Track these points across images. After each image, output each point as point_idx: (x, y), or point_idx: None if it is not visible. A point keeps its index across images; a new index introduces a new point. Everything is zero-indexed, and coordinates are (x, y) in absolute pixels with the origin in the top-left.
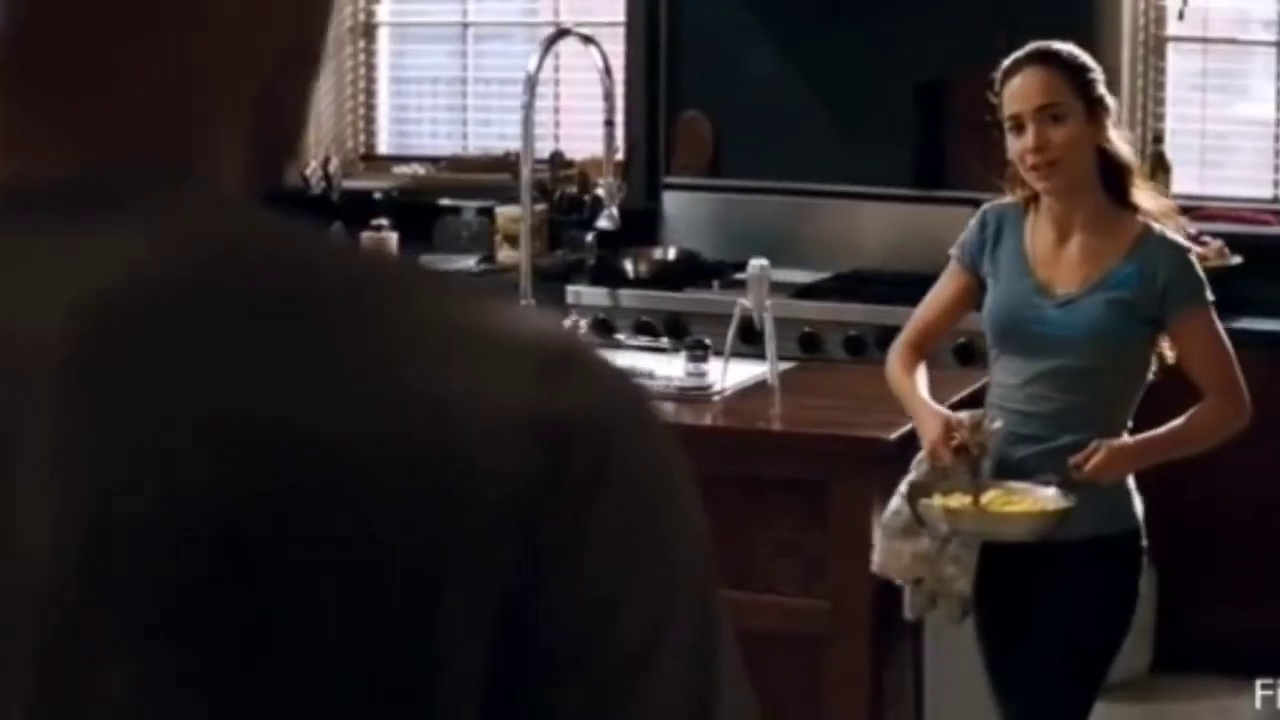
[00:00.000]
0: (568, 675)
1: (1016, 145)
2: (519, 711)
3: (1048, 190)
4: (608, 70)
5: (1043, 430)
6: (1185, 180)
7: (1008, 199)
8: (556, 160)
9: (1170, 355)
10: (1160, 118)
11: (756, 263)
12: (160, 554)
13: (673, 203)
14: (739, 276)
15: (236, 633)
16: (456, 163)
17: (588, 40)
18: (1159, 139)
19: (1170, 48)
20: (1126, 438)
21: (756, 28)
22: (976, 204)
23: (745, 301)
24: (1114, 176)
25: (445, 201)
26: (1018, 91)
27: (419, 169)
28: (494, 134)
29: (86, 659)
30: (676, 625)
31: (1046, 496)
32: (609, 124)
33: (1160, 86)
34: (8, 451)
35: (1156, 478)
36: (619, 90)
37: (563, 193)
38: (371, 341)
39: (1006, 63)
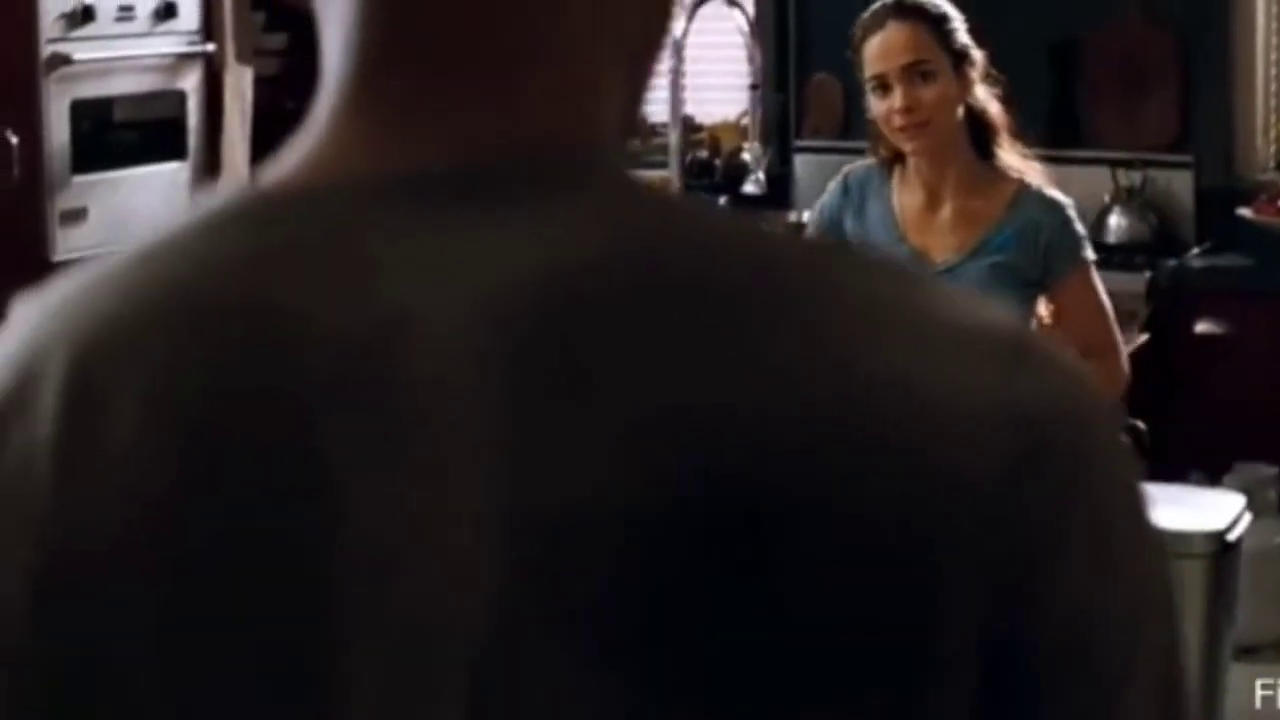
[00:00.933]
0: (1051, 690)
1: (881, 106)
2: None
3: (916, 152)
4: (752, 33)
5: None
6: None
7: (868, 161)
8: (686, 125)
9: (1046, 316)
10: None
11: None
12: (616, 557)
13: (804, 166)
14: None
15: (709, 643)
16: None
17: (732, 3)
18: None
19: None
20: None
21: None
22: (1111, 164)
23: None
24: (980, 135)
25: None
26: (880, 49)
27: None
28: None
29: (536, 670)
30: (1153, 630)
31: None
32: (754, 88)
33: None
34: (429, 448)
35: None
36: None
37: (693, 157)
38: (820, 329)
39: (864, 16)
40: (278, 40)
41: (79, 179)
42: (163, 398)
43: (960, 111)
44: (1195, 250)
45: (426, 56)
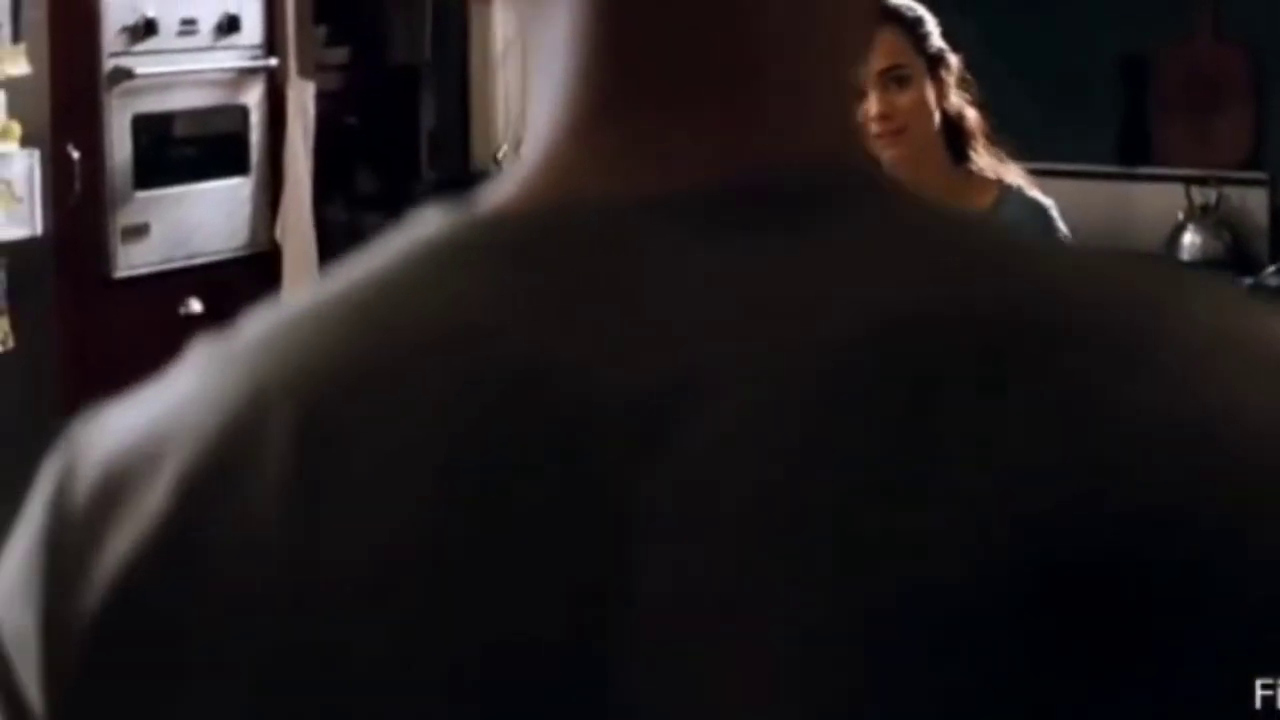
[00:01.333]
0: None
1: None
2: None
3: (894, 159)
4: None
5: None
6: None
7: None
8: None
9: None
10: None
11: None
12: (953, 650)
13: None
14: None
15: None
16: None
17: None
18: None
19: None
20: None
21: (956, 3)
22: (1182, 180)
23: None
24: (956, 140)
25: None
26: None
27: None
28: None
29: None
30: None
31: None
32: None
33: None
34: (731, 527)
35: None
36: None
37: None
38: (1178, 375)
39: None
40: (340, 55)
41: (141, 194)
42: (426, 448)
43: (936, 117)
44: (1271, 268)
45: (670, 73)
